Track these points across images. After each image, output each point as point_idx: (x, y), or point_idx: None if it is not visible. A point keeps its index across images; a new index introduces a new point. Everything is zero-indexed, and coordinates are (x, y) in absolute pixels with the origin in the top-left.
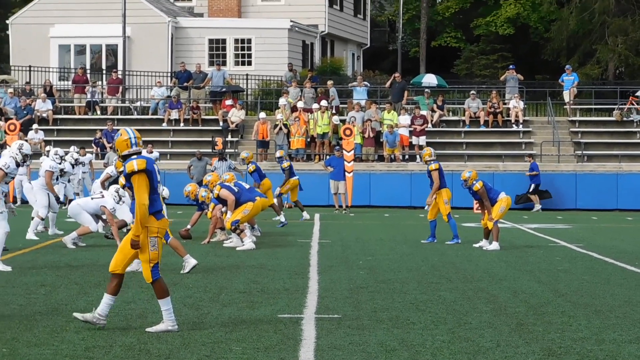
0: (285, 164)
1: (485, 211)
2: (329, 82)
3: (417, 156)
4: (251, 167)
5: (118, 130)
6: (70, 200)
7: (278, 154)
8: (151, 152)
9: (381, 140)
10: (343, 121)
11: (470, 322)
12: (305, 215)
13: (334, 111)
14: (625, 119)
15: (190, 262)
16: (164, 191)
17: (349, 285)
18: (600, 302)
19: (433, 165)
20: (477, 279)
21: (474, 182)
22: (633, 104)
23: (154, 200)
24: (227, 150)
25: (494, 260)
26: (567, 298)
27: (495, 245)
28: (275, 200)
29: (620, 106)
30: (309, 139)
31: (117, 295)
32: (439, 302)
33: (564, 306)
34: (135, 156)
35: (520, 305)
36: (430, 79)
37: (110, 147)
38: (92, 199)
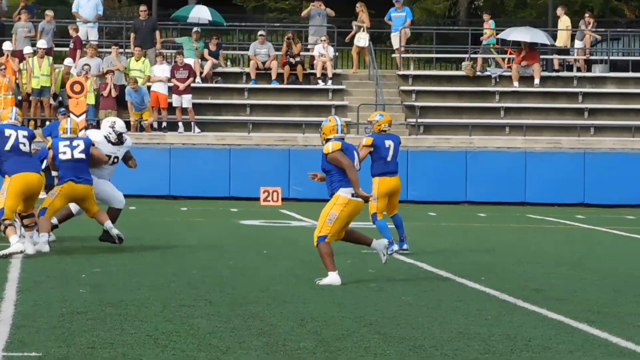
0: None
1: None
2: (48, 14)
3: (180, 124)
4: None
5: None
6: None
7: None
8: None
9: (126, 99)
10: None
11: None
12: None
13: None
14: (479, 73)
15: None
16: None
17: (60, 310)
18: None
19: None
20: (250, 301)
21: None
22: (491, 52)
23: None
24: None
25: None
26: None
27: None
28: None
29: (473, 55)
30: (20, 97)
31: None
32: (188, 334)
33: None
34: None
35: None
36: (200, 13)
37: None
38: None
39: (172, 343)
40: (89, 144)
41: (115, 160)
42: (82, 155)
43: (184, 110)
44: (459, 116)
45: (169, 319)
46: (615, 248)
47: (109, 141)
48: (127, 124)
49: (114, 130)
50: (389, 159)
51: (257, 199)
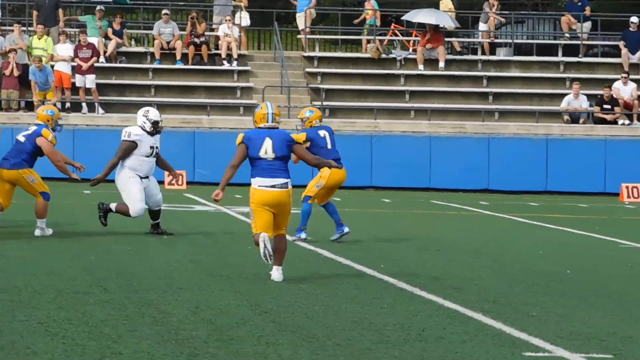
0: None
1: None
2: None
3: (84, 104)
4: None
5: None
6: None
7: None
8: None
9: (30, 79)
10: None
11: (121, 353)
12: None
13: None
14: (384, 55)
15: None
16: None
17: None
18: None
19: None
20: (145, 288)
21: None
22: (396, 35)
23: None
24: None
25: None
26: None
27: None
28: None
29: (379, 37)
30: None
31: None
32: (81, 321)
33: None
34: None
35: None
36: None
37: None
38: None
39: (63, 331)
40: (36, 133)
41: (156, 151)
42: (22, 139)
43: (88, 91)
44: (364, 99)
45: (62, 306)
46: (516, 236)
47: (145, 131)
48: (30, 104)
49: (147, 119)
50: (329, 146)
51: (162, 182)
